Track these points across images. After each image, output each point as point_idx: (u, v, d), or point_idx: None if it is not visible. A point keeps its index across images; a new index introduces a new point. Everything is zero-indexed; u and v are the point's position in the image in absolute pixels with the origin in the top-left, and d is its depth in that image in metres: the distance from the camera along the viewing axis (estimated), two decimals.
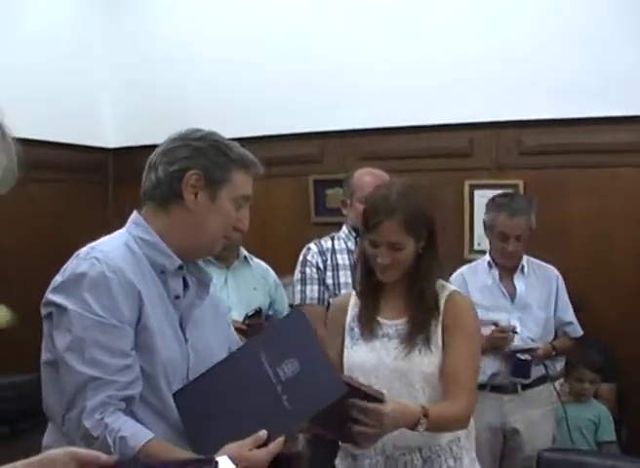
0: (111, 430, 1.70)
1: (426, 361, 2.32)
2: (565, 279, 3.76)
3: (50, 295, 1.84)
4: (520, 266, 3.71)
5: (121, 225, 2.00)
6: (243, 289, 3.61)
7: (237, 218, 1.97)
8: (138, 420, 1.78)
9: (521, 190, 4.60)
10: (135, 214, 1.98)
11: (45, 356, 1.87)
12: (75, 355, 1.75)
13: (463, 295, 2.55)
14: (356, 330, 2.44)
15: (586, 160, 4.58)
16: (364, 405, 1.98)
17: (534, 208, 3.67)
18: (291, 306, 3.63)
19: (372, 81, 4.96)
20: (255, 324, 3.36)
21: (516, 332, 3.57)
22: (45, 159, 4.85)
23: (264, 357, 1.84)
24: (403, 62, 4.91)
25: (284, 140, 5.22)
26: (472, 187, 4.81)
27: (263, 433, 1.71)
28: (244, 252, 3.74)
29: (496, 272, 3.73)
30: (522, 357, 3.53)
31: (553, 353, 3.67)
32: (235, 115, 5.11)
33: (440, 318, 2.36)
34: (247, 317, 3.44)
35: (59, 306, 1.79)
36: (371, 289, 2.46)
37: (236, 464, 1.50)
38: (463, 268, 3.85)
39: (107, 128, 5.77)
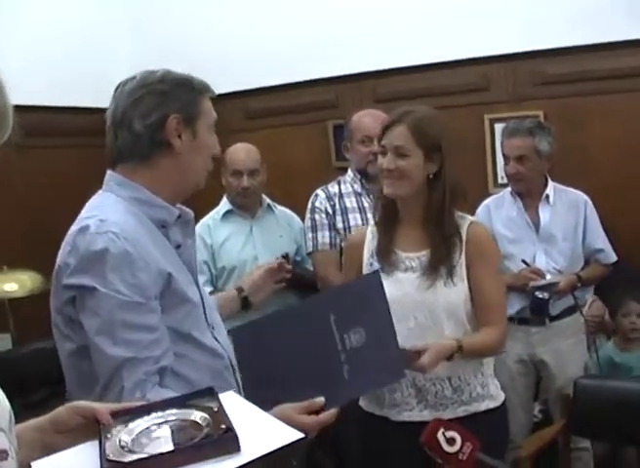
0: None
1: (451, 292, 2.35)
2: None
3: (70, 280, 1.75)
4: (545, 195, 3.63)
5: None
6: (269, 237, 3.64)
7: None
8: (188, 378, 1.79)
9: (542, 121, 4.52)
10: (112, 175, 1.91)
11: (68, 346, 1.83)
12: (106, 338, 1.70)
13: (482, 225, 2.58)
14: (375, 264, 2.45)
15: (607, 86, 4.47)
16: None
17: (546, 132, 3.59)
18: (308, 254, 3.64)
19: (382, 21, 4.87)
20: None
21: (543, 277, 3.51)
22: (64, 125, 4.85)
23: (333, 319, 1.79)
24: (413, 1, 4.83)
25: (300, 88, 5.19)
26: (492, 121, 4.75)
27: (320, 400, 1.66)
28: (267, 200, 3.75)
29: (520, 202, 3.66)
30: (540, 295, 3.45)
31: (579, 284, 3.59)
32: (251, 66, 5.12)
33: (463, 248, 2.38)
34: None
35: (84, 288, 1.72)
36: (390, 222, 2.48)
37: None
38: (489, 199, 3.81)
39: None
